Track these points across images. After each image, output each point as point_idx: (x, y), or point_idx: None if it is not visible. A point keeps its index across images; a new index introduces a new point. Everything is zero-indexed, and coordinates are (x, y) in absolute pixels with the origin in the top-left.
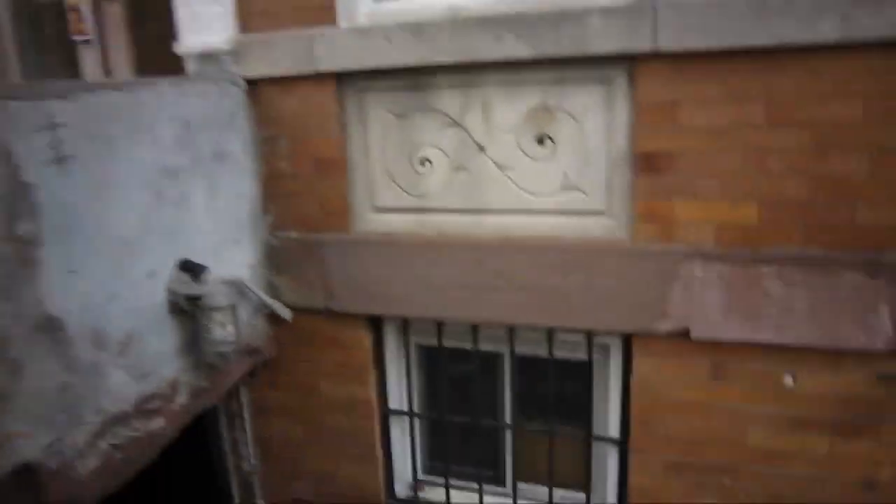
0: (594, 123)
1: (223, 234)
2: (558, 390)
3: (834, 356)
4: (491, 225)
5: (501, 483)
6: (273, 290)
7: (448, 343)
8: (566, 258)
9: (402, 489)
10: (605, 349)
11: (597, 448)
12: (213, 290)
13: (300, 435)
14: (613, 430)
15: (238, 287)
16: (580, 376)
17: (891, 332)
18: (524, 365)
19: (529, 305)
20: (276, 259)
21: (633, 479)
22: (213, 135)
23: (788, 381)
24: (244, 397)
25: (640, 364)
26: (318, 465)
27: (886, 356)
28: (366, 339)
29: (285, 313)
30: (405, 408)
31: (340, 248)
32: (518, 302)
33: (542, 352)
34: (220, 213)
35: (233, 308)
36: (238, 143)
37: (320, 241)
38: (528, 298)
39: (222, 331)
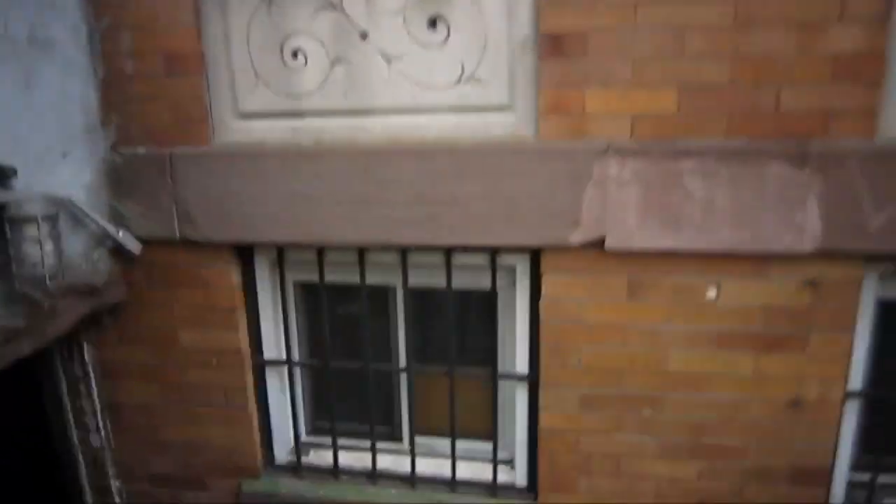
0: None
1: (46, 142)
2: (459, 325)
3: (759, 262)
4: (377, 128)
5: (397, 439)
6: (117, 219)
7: (331, 278)
8: (464, 163)
9: (282, 454)
10: (511, 272)
11: (504, 388)
12: (22, 197)
13: (158, 398)
14: (522, 366)
15: (68, 208)
16: (483, 308)
17: (819, 231)
18: (419, 299)
19: (423, 221)
20: (120, 180)
21: (545, 418)
22: (29, 13)
23: (711, 293)
24: (88, 356)
25: (550, 284)
26: (181, 433)
27: (814, 259)
28: (233, 274)
29: (132, 245)
30: (283, 356)
31: (198, 164)
32: (410, 217)
33: (439, 281)
34: (41, 115)
35: (52, 222)
36: (64, 31)
37: (174, 157)
38: (421, 213)
39: (36, 249)
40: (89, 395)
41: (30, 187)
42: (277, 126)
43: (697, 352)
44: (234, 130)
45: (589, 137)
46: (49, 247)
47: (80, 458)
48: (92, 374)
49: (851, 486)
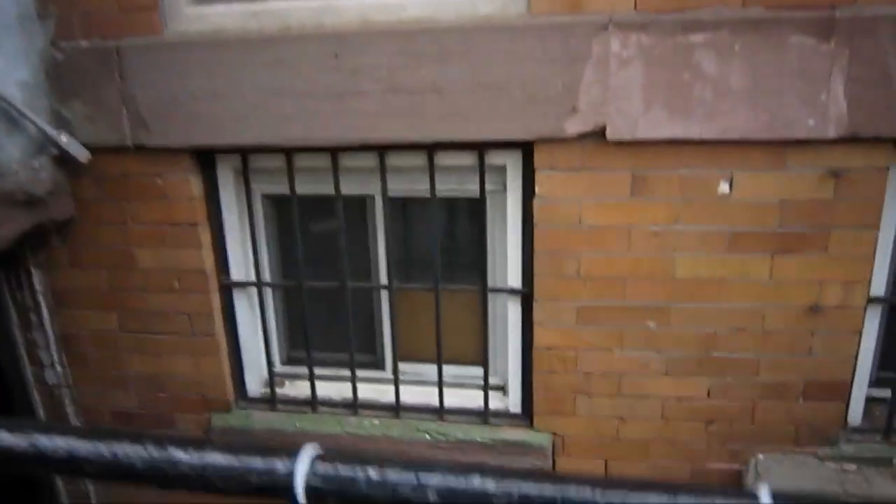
0: None
1: None
2: (444, 237)
3: (777, 151)
4: (348, 9)
5: (380, 367)
6: (61, 123)
7: (303, 189)
8: (446, 44)
9: (255, 386)
10: (501, 173)
11: (495, 305)
12: None
13: (116, 327)
14: (514, 279)
15: (2, 109)
16: (470, 218)
17: (844, 113)
18: (400, 210)
19: (401, 113)
20: (61, 79)
21: (540, 335)
22: None
23: (724, 187)
24: (38, 283)
25: (544, 183)
26: (144, 365)
27: (838, 145)
28: (193, 184)
29: (78, 152)
30: (252, 277)
31: (149, 58)
32: (387, 110)
33: (421, 188)
34: None
35: None
36: None
37: (121, 50)
38: (400, 104)
39: None
40: (41, 326)
41: None
42: (237, 11)
43: (708, 255)
44: (189, 18)
45: (587, 11)
46: None
47: (36, 396)
48: (43, 303)
49: (870, 402)
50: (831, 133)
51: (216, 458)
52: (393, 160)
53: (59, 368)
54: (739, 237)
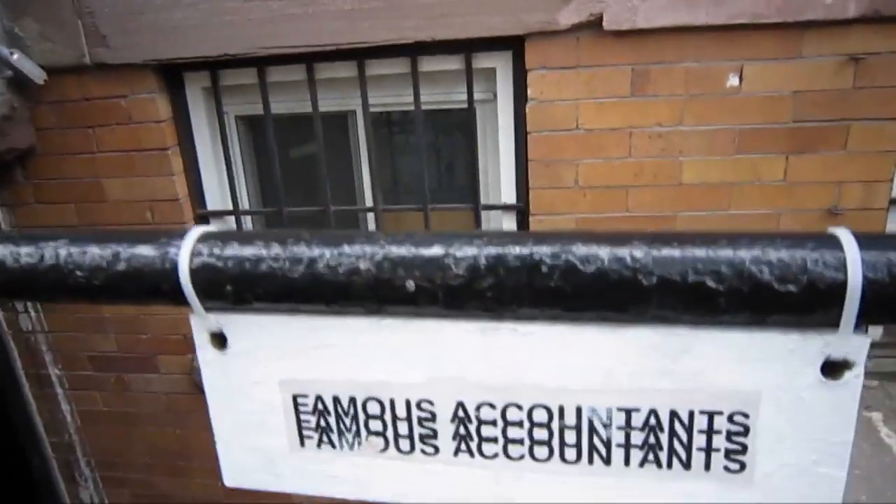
0: None
1: None
2: (432, 154)
3: (791, 36)
4: None
5: None
6: (14, 43)
7: (278, 108)
8: None
9: None
10: (490, 79)
11: (488, 224)
12: None
13: None
14: (508, 195)
15: None
16: (458, 132)
17: None
18: (384, 126)
19: (379, 12)
20: None
21: None
22: None
23: (733, 80)
24: (4, 223)
25: (537, 83)
26: (119, 309)
27: (858, 27)
28: (160, 104)
29: (33, 72)
30: (229, 206)
31: None
32: (363, 8)
33: (405, 99)
34: None
35: None
36: None
37: None
38: (377, 1)
39: None
40: None
41: None
42: None
43: (716, 158)
44: None
45: None
46: None
47: (11, 343)
48: None
49: None
50: (851, 12)
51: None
52: (373, 68)
53: (32, 313)
54: (750, 135)
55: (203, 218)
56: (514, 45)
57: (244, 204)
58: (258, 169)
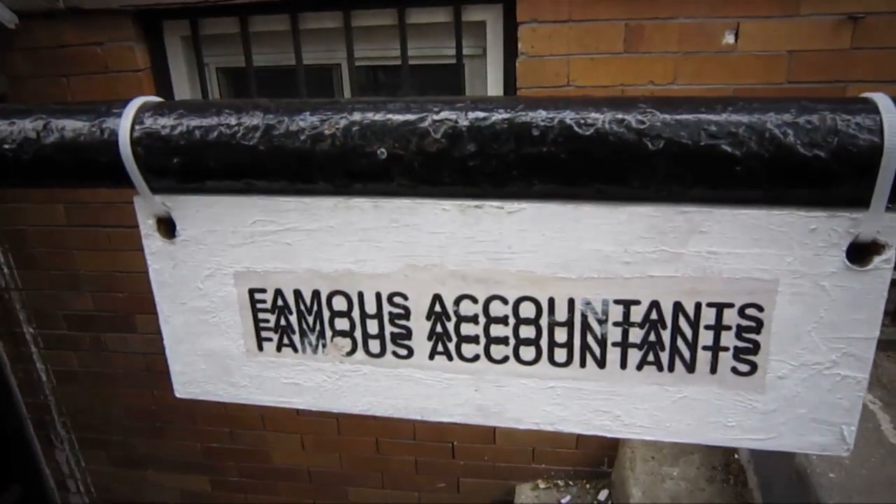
0: None
1: None
2: None
3: None
4: None
5: None
6: None
7: (261, 60)
8: None
9: None
10: (480, 33)
11: None
12: None
13: (64, 221)
14: None
15: None
16: (447, 88)
17: None
18: (370, 79)
19: None
20: None
21: None
22: None
23: (729, 37)
24: None
25: (527, 38)
26: (96, 262)
27: None
28: (138, 53)
29: (4, 16)
30: None
31: None
32: None
33: (392, 53)
34: None
35: None
36: None
37: None
38: None
39: None
40: None
41: None
42: None
43: None
44: None
45: None
46: None
47: None
48: None
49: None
50: None
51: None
52: (360, 20)
53: (5, 270)
54: (743, 95)
55: None
56: None
57: None
58: None
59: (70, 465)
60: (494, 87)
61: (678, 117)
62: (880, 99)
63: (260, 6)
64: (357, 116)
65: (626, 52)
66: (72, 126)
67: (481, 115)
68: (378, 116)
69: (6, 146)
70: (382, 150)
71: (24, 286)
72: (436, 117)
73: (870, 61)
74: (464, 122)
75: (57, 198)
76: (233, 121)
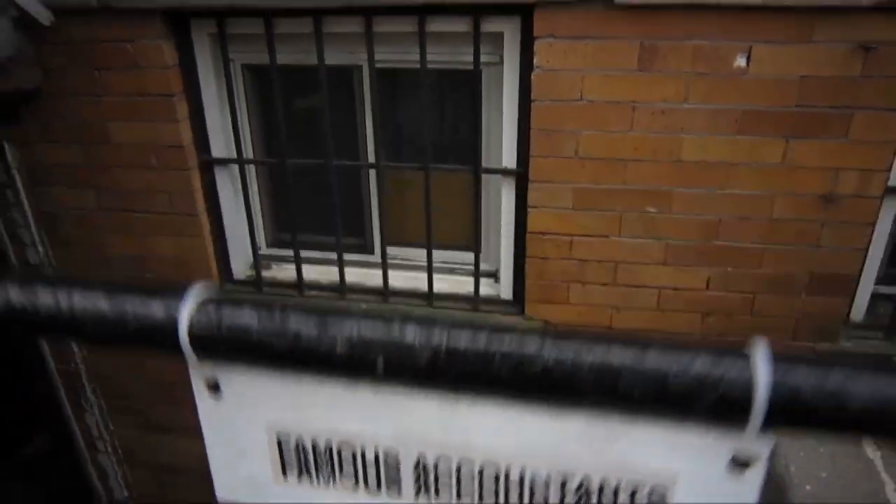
0: None
1: None
2: (436, 113)
3: (803, 20)
4: None
5: (368, 251)
6: None
7: (284, 59)
8: None
9: (240, 268)
10: (497, 42)
11: (488, 188)
12: None
13: (94, 205)
14: (509, 159)
15: None
16: (464, 93)
17: None
18: (389, 82)
19: None
20: None
21: (535, 219)
22: None
23: (741, 61)
24: (11, 157)
25: (543, 52)
26: (125, 246)
27: (872, 15)
28: (166, 51)
29: (39, 12)
30: (233, 154)
31: None
32: None
33: (411, 58)
34: None
35: None
36: None
37: None
38: None
39: None
40: (19, 203)
41: None
42: None
43: (716, 137)
44: None
45: None
46: None
47: (16, 274)
48: (18, 179)
49: (875, 299)
50: (866, 1)
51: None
52: (380, 26)
53: (40, 248)
54: (752, 116)
55: (208, 164)
56: (523, 10)
57: (248, 153)
58: (263, 118)
59: (99, 427)
60: (509, 95)
61: (605, 363)
62: (757, 354)
63: (284, 11)
64: (364, 333)
65: (639, 69)
66: (145, 318)
67: (457, 345)
68: (380, 334)
69: (90, 326)
70: (381, 362)
71: (58, 264)
72: (423, 342)
73: (879, 89)
74: (443, 350)
75: (86, 183)
76: (268, 325)
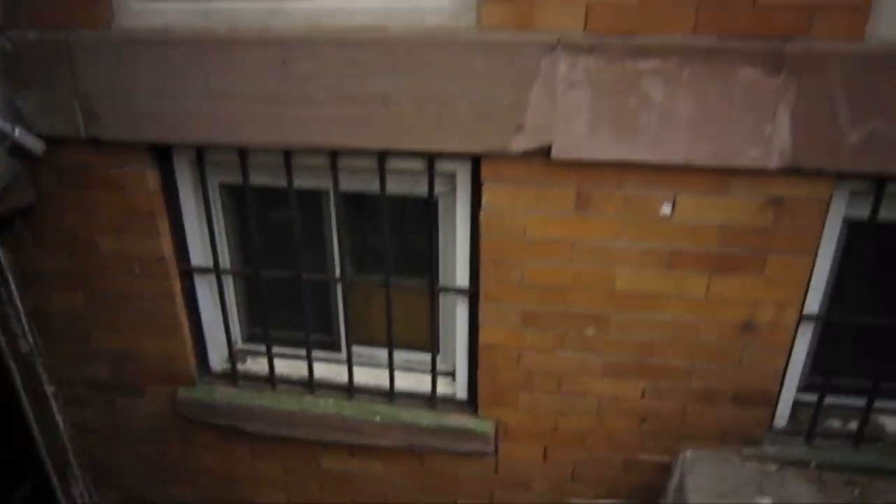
0: None
1: None
2: (396, 233)
3: (720, 177)
4: (297, 13)
5: (335, 348)
6: (15, 115)
7: (258, 180)
8: (395, 55)
9: (217, 362)
10: (451, 178)
11: (444, 300)
12: None
13: (83, 306)
14: (462, 279)
15: None
16: (421, 216)
17: (788, 146)
18: (353, 204)
19: (351, 122)
20: (14, 70)
21: (486, 333)
22: None
23: (666, 209)
24: (4, 260)
25: (490, 194)
26: (111, 342)
27: (780, 175)
28: (150, 177)
29: (32, 145)
30: (210, 263)
31: (98, 52)
32: (336, 117)
33: (373, 187)
34: None
35: None
36: None
37: (70, 42)
38: (349, 112)
39: None
40: (10, 300)
41: None
42: (187, 9)
43: (647, 271)
44: (138, 12)
45: (537, 28)
46: None
47: (11, 363)
48: (11, 279)
49: (797, 406)
50: (774, 164)
51: None
52: (345, 161)
53: (30, 339)
54: (678, 255)
55: (187, 273)
56: (472, 156)
57: (225, 261)
58: (239, 231)
59: (84, 498)
60: (462, 224)
61: None
62: None
63: (258, 146)
64: None
65: (576, 211)
66: None
67: None
68: None
69: None
70: None
71: (47, 354)
72: None
73: (790, 237)
74: None
75: (76, 286)
76: None
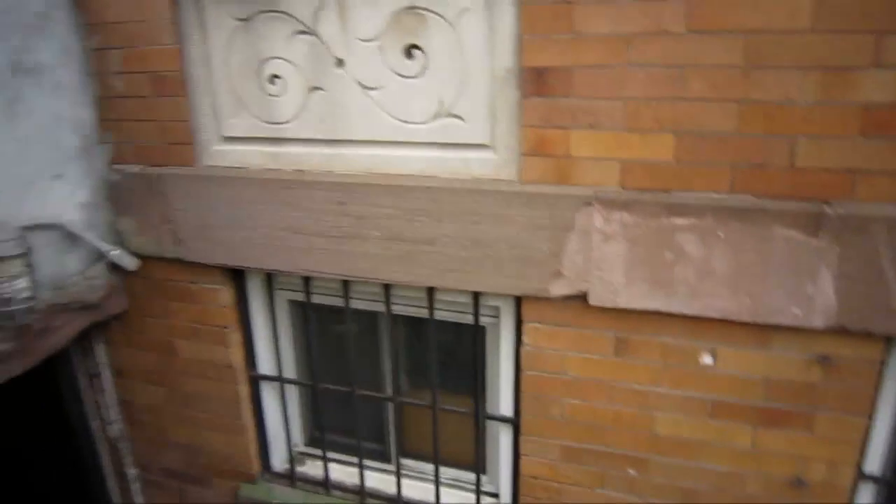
0: (473, 29)
1: (35, 166)
2: (445, 356)
3: (762, 331)
4: (355, 159)
5: (386, 458)
6: (117, 235)
7: (320, 300)
8: (440, 202)
9: (278, 462)
10: (496, 310)
11: (489, 424)
12: None
13: (163, 400)
14: (506, 408)
15: (64, 231)
16: (470, 341)
17: (833, 306)
18: (406, 327)
19: (400, 259)
20: (118, 198)
21: (526, 464)
22: (12, 42)
23: (707, 359)
24: (102, 356)
25: (531, 333)
26: (185, 435)
27: (826, 334)
28: (225, 293)
29: (128, 262)
30: (276, 372)
31: (185, 185)
32: (387, 254)
33: (424, 313)
34: (28, 140)
35: (24, 259)
36: (55, 54)
37: (162, 177)
38: (398, 251)
39: (10, 286)
40: (103, 390)
41: (15, 215)
42: (259, 151)
43: (689, 418)
44: (219, 154)
45: (574, 183)
46: (23, 282)
47: (101, 447)
48: (105, 373)
49: None
50: (818, 323)
51: None
52: (396, 290)
53: (119, 426)
54: (722, 405)
55: (255, 379)
56: (513, 296)
57: (289, 372)
58: (304, 343)
59: None
60: (506, 354)
61: None
62: None
63: (317, 275)
64: None
65: (615, 355)
66: None
67: None
68: None
69: None
70: None
71: (132, 440)
72: None
73: (841, 396)
74: None
75: (158, 382)
76: None
